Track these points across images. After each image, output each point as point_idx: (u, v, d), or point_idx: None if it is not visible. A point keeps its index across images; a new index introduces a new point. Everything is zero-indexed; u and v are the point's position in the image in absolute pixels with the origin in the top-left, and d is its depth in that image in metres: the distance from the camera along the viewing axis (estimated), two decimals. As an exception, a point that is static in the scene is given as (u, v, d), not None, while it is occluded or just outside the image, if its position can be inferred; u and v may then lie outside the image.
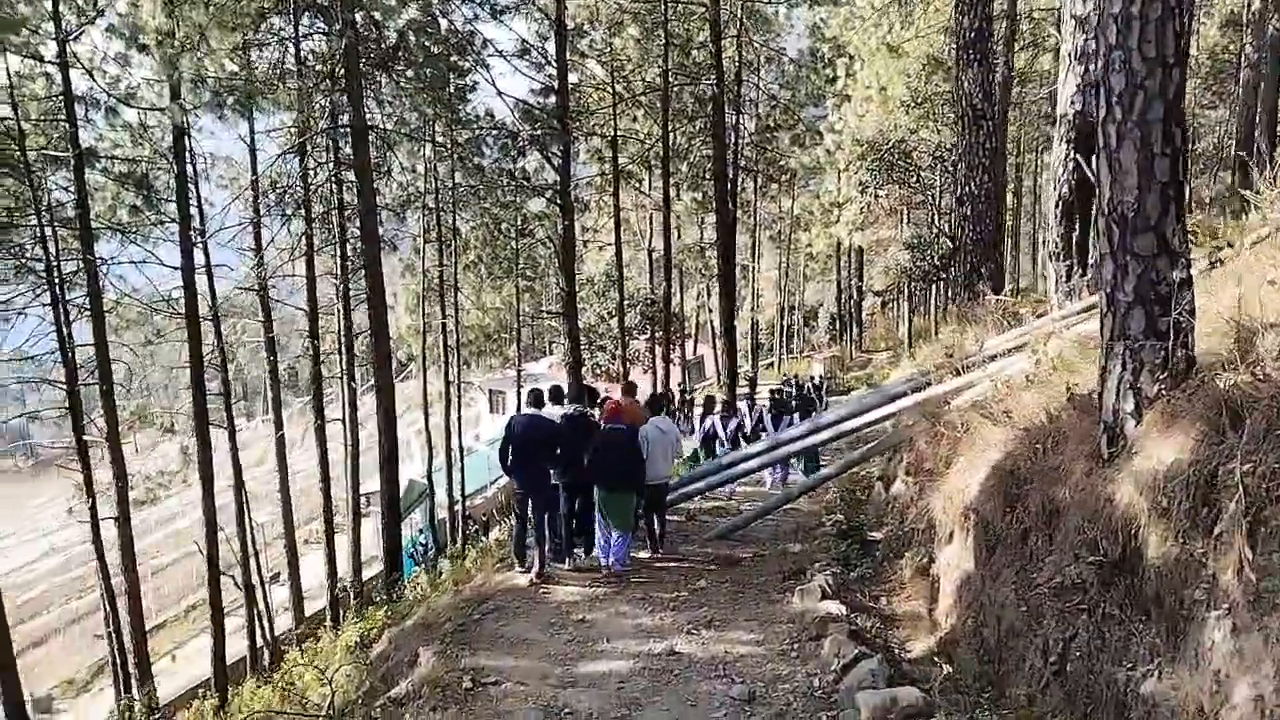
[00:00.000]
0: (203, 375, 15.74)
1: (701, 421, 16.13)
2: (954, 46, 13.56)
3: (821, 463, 14.09)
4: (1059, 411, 5.86)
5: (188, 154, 18.28)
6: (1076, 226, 9.79)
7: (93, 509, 13.50)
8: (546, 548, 8.88)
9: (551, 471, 8.94)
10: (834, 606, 6.85)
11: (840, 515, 10.70)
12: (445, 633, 6.84)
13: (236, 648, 22.82)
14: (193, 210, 18.64)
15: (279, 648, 20.27)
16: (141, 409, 19.83)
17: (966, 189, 12.55)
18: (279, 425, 21.54)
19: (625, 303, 29.01)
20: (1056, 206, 9.85)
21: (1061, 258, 9.83)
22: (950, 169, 26.00)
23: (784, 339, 49.08)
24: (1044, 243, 10.09)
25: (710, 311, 43.89)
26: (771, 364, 45.86)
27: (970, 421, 7.37)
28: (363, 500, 33.39)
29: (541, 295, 27.04)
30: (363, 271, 15.78)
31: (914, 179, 25.82)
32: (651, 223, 36.78)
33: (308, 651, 12.31)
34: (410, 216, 25.10)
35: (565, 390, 9.70)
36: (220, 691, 14.91)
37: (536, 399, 9.21)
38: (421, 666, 6.13)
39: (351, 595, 19.40)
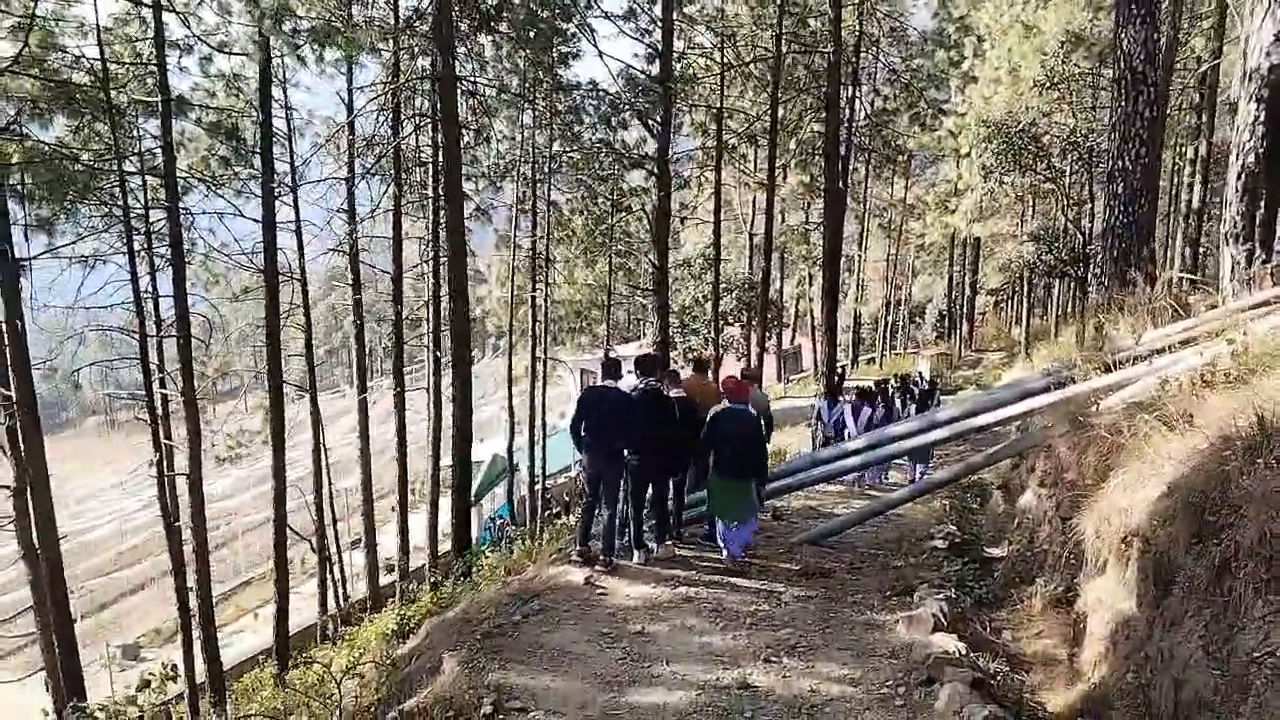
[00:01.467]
0: (278, 333, 15.30)
1: (829, 409, 14.85)
2: (1113, 2, 11.87)
3: (931, 466, 12.69)
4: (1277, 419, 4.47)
5: (277, 104, 17.99)
6: (1262, 203, 8.18)
7: (160, 465, 13.14)
8: (617, 538, 7.93)
9: (626, 451, 7.98)
10: (950, 642, 5.60)
11: (953, 526, 9.36)
12: (479, 635, 5.85)
13: (312, 613, 22.78)
14: (283, 164, 18.43)
15: (351, 616, 20.00)
16: (225, 365, 19.66)
17: (1119, 163, 10.88)
18: (362, 389, 21.18)
19: (722, 286, 27.75)
20: (1238, 179, 8.22)
21: (1242, 239, 8.22)
22: (1085, 155, 23.88)
23: (888, 334, 46.91)
24: (1221, 221, 8.41)
25: (811, 300, 42.27)
26: (873, 359, 43.82)
27: (1133, 426, 5.99)
28: (448, 471, 33.34)
29: (637, 274, 25.97)
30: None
31: (1044, 166, 23.68)
32: (754, 204, 35.40)
33: (347, 637, 11.64)
34: (507, 187, 24.46)
35: (655, 361, 8.64)
36: (280, 659, 14.51)
37: (612, 369, 8.23)
38: (443, 676, 5.16)
39: (428, 569, 18.85)
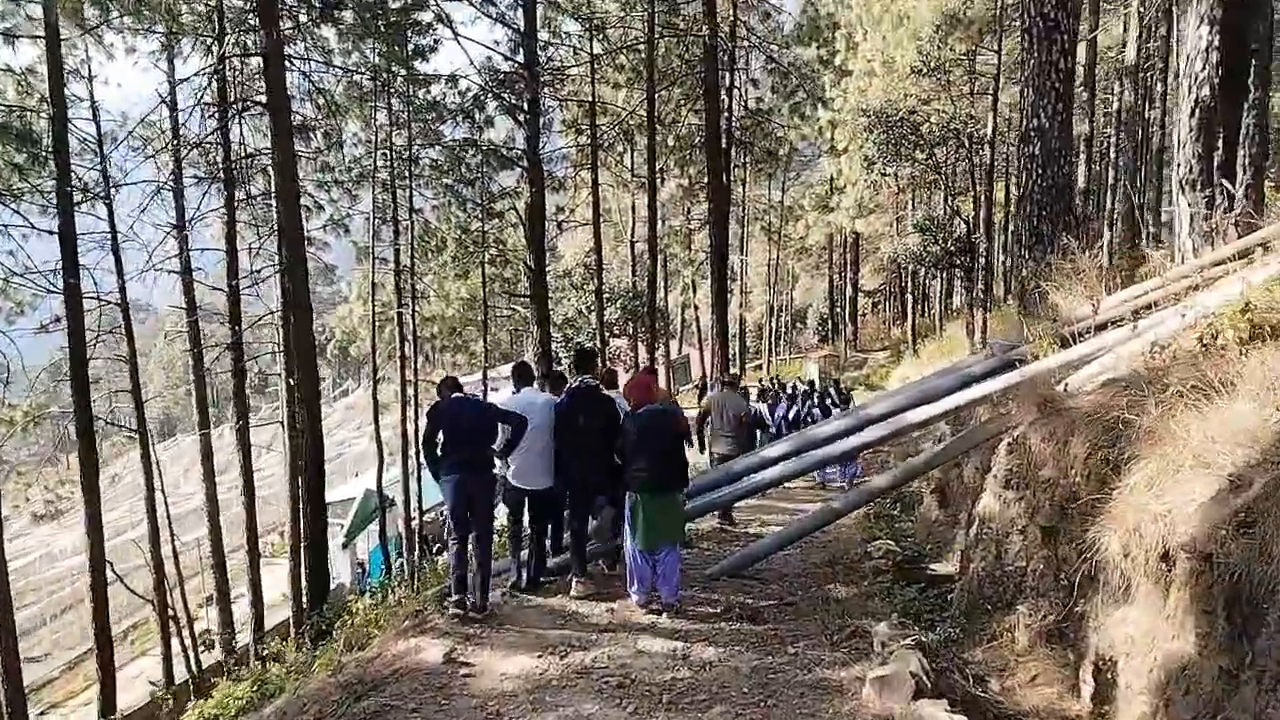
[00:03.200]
0: (85, 363, 12.80)
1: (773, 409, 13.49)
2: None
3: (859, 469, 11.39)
4: None
5: (82, 102, 15.57)
6: (1220, 142, 7.13)
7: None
8: (517, 571, 6.95)
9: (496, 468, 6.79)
10: (941, 714, 4.07)
11: (889, 542, 7.95)
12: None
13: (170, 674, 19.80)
14: (93, 172, 15.89)
15: (202, 686, 17.35)
16: (38, 408, 16.74)
17: (1034, 122, 9.85)
18: (203, 425, 18.59)
19: (605, 295, 26.20)
20: (1191, 116, 7.15)
21: (1199, 185, 7.15)
22: (965, 142, 23.47)
23: (773, 339, 46.38)
24: (1175, 167, 7.25)
25: (696, 308, 41.22)
26: (760, 365, 43.13)
27: (1136, 405, 4.66)
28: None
29: (515, 283, 24.11)
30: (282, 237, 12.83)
31: (925, 155, 23.15)
32: (633, 211, 34.12)
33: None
34: (364, 194, 22.22)
35: (591, 356, 7.51)
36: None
37: (522, 372, 7.46)
38: None
39: (291, 629, 16.41)
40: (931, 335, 32.71)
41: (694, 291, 39.52)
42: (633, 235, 34.19)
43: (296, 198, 12.29)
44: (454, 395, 6.74)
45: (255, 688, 7.01)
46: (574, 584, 6.74)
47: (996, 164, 24.77)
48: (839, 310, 45.29)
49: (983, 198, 23.14)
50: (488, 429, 6.70)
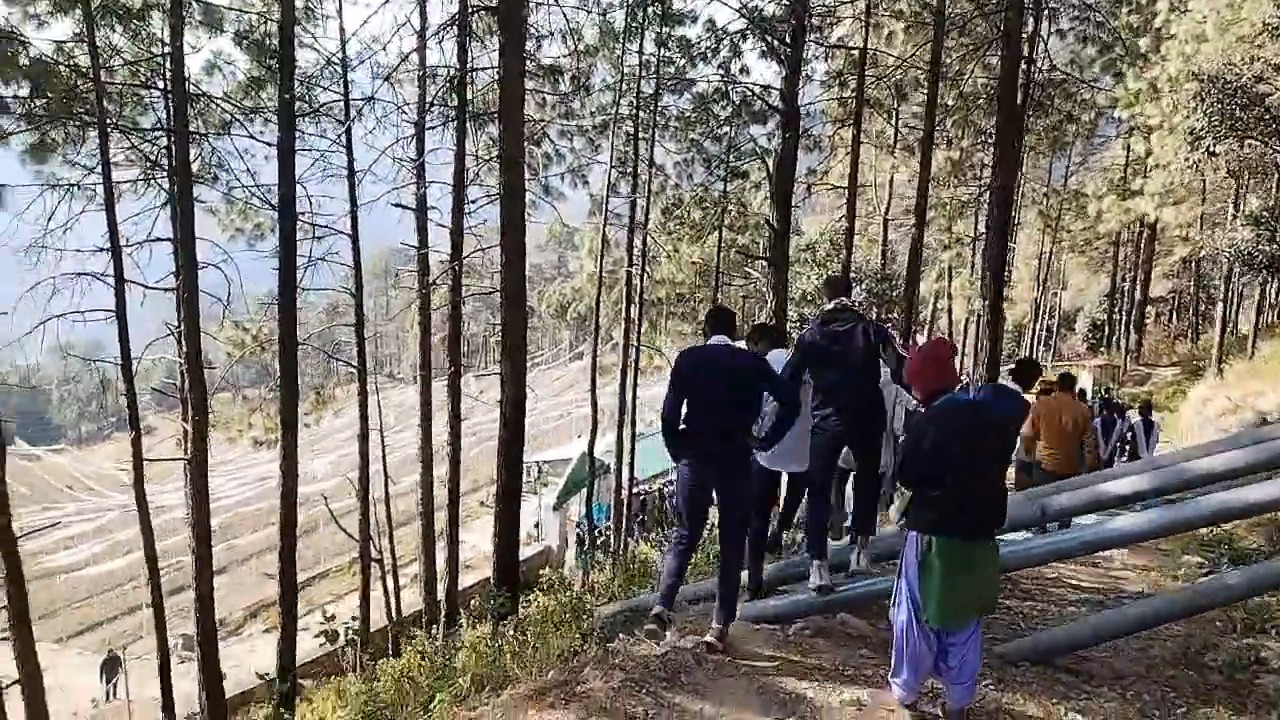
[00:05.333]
0: (294, 285, 12.19)
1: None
2: None
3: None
4: None
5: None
6: None
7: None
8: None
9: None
10: None
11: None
12: None
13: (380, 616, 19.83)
14: (331, 94, 15.56)
15: (402, 631, 17.00)
16: (264, 334, 16.79)
17: None
18: (424, 366, 18.12)
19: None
20: None
21: None
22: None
23: (1034, 343, 41.40)
24: None
25: (949, 299, 37.35)
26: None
27: None
28: (533, 468, 30.26)
29: (752, 250, 22.09)
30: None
31: (1269, 132, 18.62)
32: (891, 185, 31.02)
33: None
34: (605, 144, 21.02)
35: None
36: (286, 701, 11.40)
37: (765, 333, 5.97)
38: None
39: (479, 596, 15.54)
40: (1238, 353, 27.36)
41: (949, 280, 35.67)
42: (887, 211, 31.09)
43: (520, 120, 10.87)
44: (710, 343, 4.91)
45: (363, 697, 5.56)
46: (814, 570, 5.29)
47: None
48: (1117, 316, 39.63)
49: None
50: (743, 398, 4.83)
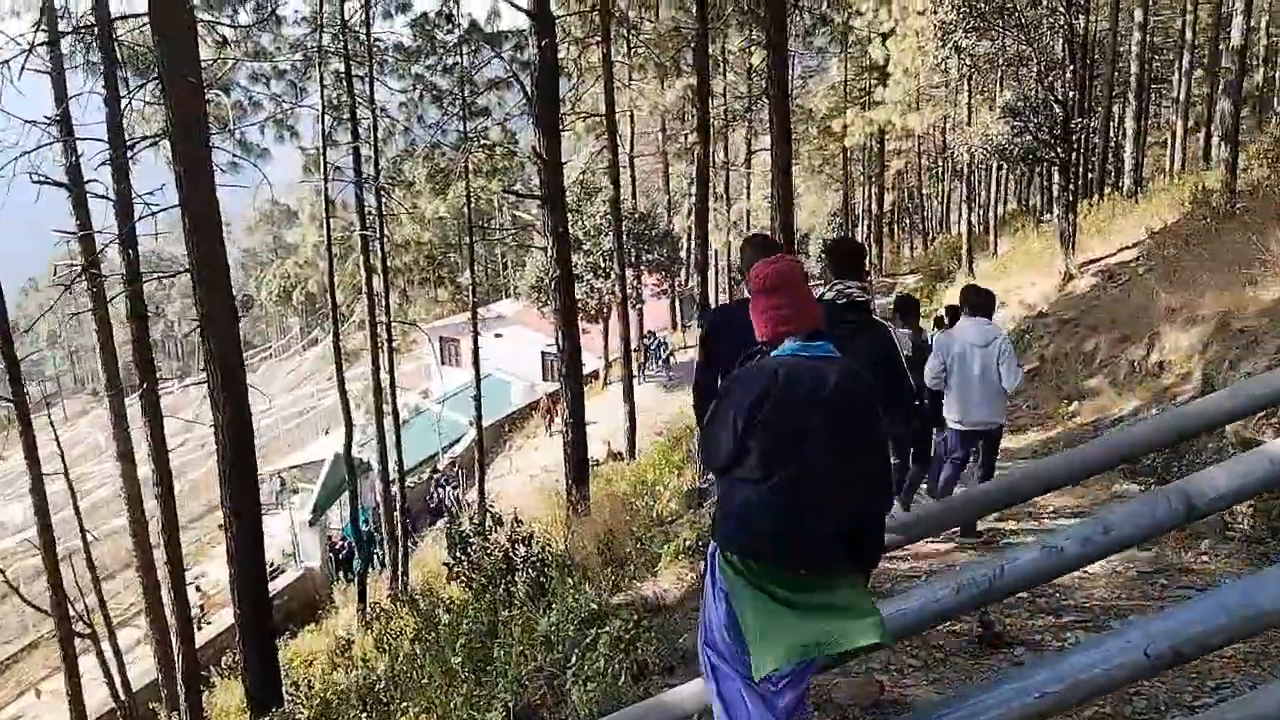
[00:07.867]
0: None
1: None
2: None
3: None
4: None
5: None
6: None
7: None
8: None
9: None
10: None
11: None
12: None
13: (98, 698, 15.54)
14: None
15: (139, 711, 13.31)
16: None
17: None
18: (112, 387, 14.16)
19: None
20: None
21: None
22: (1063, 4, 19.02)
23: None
24: None
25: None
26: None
27: None
28: (274, 479, 25.97)
29: (501, 206, 19.64)
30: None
31: (1012, 23, 18.72)
32: (632, 119, 29.52)
33: None
34: (311, 88, 17.48)
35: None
36: None
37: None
38: None
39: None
40: (980, 250, 28.57)
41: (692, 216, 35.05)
42: (631, 149, 29.62)
43: (191, 46, 7.69)
44: None
45: None
46: None
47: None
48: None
49: (1083, 76, 18.81)
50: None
